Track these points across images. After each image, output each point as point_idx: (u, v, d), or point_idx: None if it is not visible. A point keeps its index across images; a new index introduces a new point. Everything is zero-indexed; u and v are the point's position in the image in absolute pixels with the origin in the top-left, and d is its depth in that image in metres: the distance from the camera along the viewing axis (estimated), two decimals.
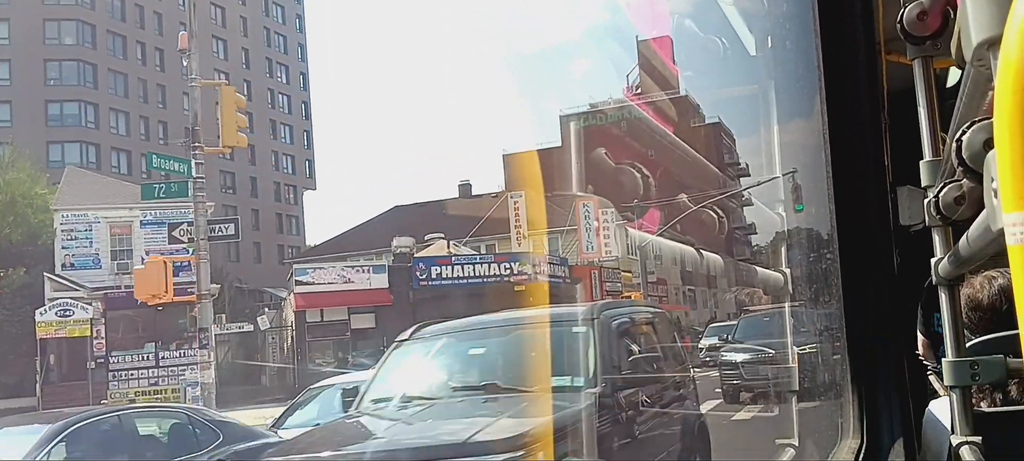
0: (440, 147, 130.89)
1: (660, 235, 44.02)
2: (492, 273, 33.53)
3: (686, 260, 53.28)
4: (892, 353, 2.38)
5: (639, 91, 52.95)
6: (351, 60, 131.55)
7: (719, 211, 48.77)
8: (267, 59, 72.78)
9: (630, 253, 42.75)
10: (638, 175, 49.30)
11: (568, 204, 40.10)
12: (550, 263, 34.99)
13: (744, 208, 59.90)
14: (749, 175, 52.95)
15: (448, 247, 38.08)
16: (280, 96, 74.00)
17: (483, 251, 40.41)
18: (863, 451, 2.34)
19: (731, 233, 58.46)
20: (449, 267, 33.58)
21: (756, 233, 60.45)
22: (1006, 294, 1.94)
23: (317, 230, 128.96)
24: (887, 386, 2.37)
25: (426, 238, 40.31)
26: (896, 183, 2.14)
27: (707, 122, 57.64)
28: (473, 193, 52.26)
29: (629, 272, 39.17)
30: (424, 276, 33.09)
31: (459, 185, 53.23)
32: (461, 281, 33.19)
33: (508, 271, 33.40)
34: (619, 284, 38.91)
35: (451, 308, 33.08)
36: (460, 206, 48.92)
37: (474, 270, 33.55)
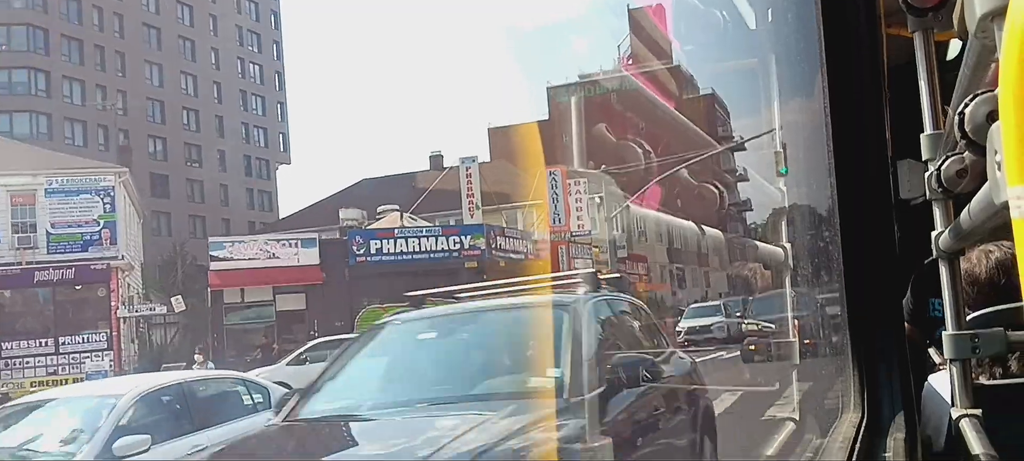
0: (423, 121, 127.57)
1: (644, 209, 40.94)
2: (440, 248, 29.89)
3: (673, 235, 50.01)
4: (893, 327, 2.37)
5: (630, 62, 51.07)
6: (328, 33, 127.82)
7: (713, 185, 45.81)
8: (237, 27, 69.05)
9: (614, 229, 39.89)
10: (628, 149, 46.59)
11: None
12: (508, 236, 31.30)
13: (739, 183, 56.89)
14: (744, 150, 49.95)
15: (401, 219, 34.57)
16: (251, 65, 70.32)
17: (452, 224, 37.00)
18: (864, 424, 2.28)
19: (726, 208, 55.51)
20: (391, 241, 29.88)
21: (752, 209, 57.47)
22: (1003, 268, 2.00)
23: (293, 207, 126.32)
24: (888, 360, 2.35)
25: (379, 211, 36.88)
26: (896, 157, 2.13)
27: (701, 94, 54.87)
28: (445, 164, 49.06)
29: (598, 248, 35.48)
30: (362, 252, 29.42)
31: (430, 156, 50.03)
32: (404, 256, 29.54)
33: (458, 246, 29.76)
34: (590, 261, 35.23)
35: (391, 287, 29.49)
36: (430, 178, 45.85)
37: (420, 244, 29.86)
